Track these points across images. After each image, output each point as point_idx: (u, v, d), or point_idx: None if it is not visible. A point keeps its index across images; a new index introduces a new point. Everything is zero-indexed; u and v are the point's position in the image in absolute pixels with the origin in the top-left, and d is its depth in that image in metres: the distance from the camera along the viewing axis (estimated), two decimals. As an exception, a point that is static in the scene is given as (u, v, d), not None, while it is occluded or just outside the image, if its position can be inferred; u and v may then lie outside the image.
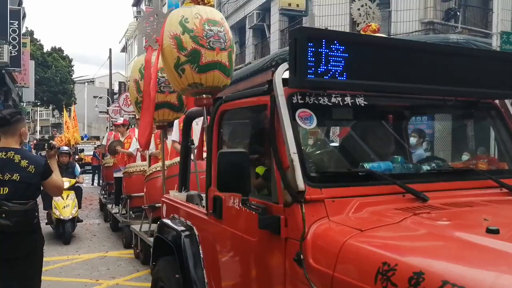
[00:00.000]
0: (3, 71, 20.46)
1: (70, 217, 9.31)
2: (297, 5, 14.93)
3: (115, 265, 7.78)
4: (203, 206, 4.79)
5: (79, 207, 9.91)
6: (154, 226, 7.25)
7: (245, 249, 3.21)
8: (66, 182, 8.57)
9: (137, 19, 39.50)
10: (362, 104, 3.12)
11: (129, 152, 9.82)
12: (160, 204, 6.97)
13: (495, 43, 10.33)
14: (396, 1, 13.84)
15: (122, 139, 10.28)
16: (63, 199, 9.24)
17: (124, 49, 44.69)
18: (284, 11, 15.36)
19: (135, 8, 41.57)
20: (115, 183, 10.27)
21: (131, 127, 12.03)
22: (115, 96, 43.08)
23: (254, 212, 2.92)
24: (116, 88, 43.29)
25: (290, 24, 17.23)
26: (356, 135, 3.43)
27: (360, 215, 2.69)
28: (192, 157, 5.00)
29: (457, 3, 13.68)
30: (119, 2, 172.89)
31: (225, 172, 2.87)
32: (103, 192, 13.29)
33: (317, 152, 3.58)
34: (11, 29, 20.53)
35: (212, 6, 4.56)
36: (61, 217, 9.23)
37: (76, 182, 9.66)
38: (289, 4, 14.82)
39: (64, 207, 9.26)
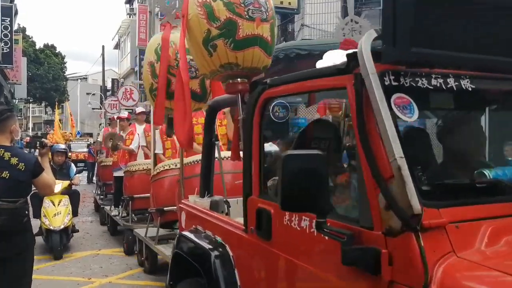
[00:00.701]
0: (-5, 68, 19.68)
1: (61, 227, 7.62)
2: (289, 3, 14.41)
3: (107, 263, 7.49)
4: (226, 213, 3.93)
5: (75, 214, 8.15)
6: (162, 232, 6.38)
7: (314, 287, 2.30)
8: (58, 185, 7.20)
9: (129, 16, 38.40)
10: (469, 88, 2.22)
11: (130, 149, 8.83)
12: (169, 208, 6.13)
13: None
14: None
15: (123, 134, 9.27)
16: (54, 205, 7.68)
17: (117, 46, 43.31)
18: (276, 8, 14.21)
19: (127, 5, 40.30)
20: (115, 183, 9.26)
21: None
22: (108, 93, 42.12)
23: (332, 239, 2.02)
24: (109, 85, 42.17)
25: (282, 22, 16.39)
26: (454, 130, 2.51)
27: (500, 249, 1.80)
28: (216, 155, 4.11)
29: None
30: (112, 0, 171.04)
31: (294, 184, 1.97)
32: (98, 192, 12.19)
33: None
34: (3, 25, 20.07)
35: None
36: (51, 227, 7.57)
37: (71, 185, 8.14)
38: (281, 2, 14.23)
39: (55, 215, 7.62)
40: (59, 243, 7.62)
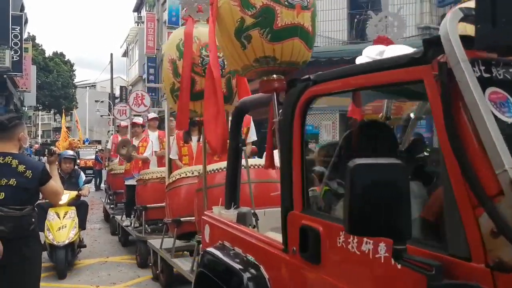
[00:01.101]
0: (5, 75, 19.63)
1: (66, 242, 6.80)
2: None
3: (115, 271, 7.32)
4: (254, 226, 3.50)
5: (82, 227, 7.40)
6: (178, 243, 5.96)
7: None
8: (65, 196, 6.56)
9: (138, 24, 38.21)
10: None
11: (144, 158, 8.43)
12: (186, 218, 5.71)
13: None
14: (393, 7, 13.00)
15: (136, 142, 8.83)
16: (59, 218, 6.93)
17: (125, 54, 43.13)
18: None
19: (135, 13, 40.11)
20: (127, 192, 8.83)
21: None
22: (117, 100, 41.88)
23: (414, 271, 1.58)
24: (117, 92, 41.94)
25: None
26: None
27: None
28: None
29: (452, 8, 12.67)
30: (120, 8, 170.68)
31: (366, 201, 1.54)
32: (108, 201, 11.75)
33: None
34: (13, 34, 19.92)
35: None
36: (54, 242, 6.74)
37: (79, 196, 7.37)
38: None
39: (60, 228, 6.82)
40: (63, 260, 6.81)
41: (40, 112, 52.63)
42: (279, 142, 2.72)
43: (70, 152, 8.07)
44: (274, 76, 2.83)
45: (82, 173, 7.92)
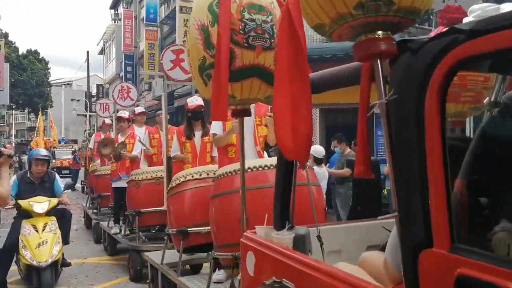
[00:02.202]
0: (-24, 72, 17.96)
1: (49, 261, 5.34)
2: None
3: (93, 272, 6.89)
4: (309, 251, 2.48)
5: (65, 242, 5.98)
6: (185, 258, 4.88)
7: None
8: (44, 203, 5.58)
9: (114, 22, 36.75)
10: None
11: (133, 156, 7.30)
12: (195, 229, 4.64)
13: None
14: None
15: (121, 138, 7.65)
16: (37, 231, 5.47)
17: (102, 52, 41.45)
18: None
19: (112, 10, 38.49)
20: (114, 195, 7.64)
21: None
22: (93, 99, 40.28)
23: None
24: (94, 91, 40.35)
25: None
26: None
27: None
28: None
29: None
30: (96, 4, 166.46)
31: None
32: (90, 205, 10.43)
33: None
34: None
35: None
36: (34, 263, 5.27)
37: (59, 203, 5.88)
38: None
39: (39, 245, 5.34)
40: (50, 283, 5.38)
41: (13, 111, 50.37)
42: (391, 136, 1.68)
43: (43, 152, 6.24)
44: (380, 33, 1.73)
45: (58, 177, 6.27)
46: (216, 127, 4.59)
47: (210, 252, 4.08)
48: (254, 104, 4.66)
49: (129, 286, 6.18)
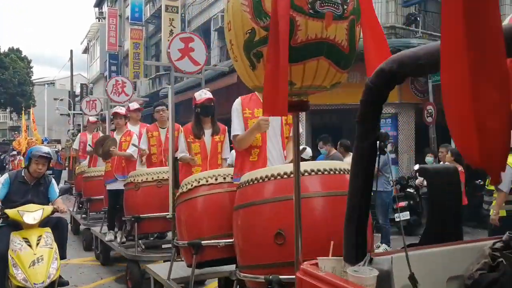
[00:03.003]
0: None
1: (47, 282, 4.34)
2: None
3: (77, 273, 6.62)
4: None
5: (62, 256, 4.87)
6: (198, 272, 4.15)
7: None
8: (36, 212, 4.61)
9: (99, 20, 35.70)
10: None
11: (127, 155, 6.49)
12: (209, 242, 3.92)
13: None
14: None
15: (117, 136, 6.77)
16: (30, 246, 4.45)
17: (85, 51, 40.25)
18: None
19: (96, 9, 37.38)
20: (108, 198, 6.78)
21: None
22: (77, 98, 39.10)
23: None
24: (78, 90, 39.17)
25: None
26: None
27: None
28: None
29: (417, 8, 13.09)
30: (80, 3, 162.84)
31: None
32: (77, 209, 9.51)
33: None
34: None
35: None
36: (28, 285, 4.27)
37: (54, 211, 4.85)
38: None
39: (34, 263, 4.33)
40: None
41: (-5, 110, 48.79)
42: None
43: (46, 149, 5.23)
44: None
45: (54, 181, 5.33)
46: (237, 126, 3.85)
47: (235, 273, 3.36)
48: None
49: (113, 287, 5.98)
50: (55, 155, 5.48)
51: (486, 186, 6.16)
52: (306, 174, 3.08)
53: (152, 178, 5.53)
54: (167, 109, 6.19)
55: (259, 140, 3.80)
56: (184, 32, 5.55)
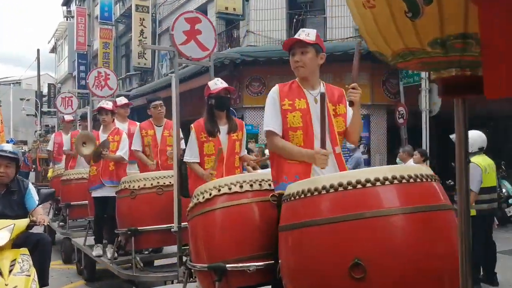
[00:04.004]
0: None
1: None
2: (234, 9, 13.41)
3: None
4: None
5: (43, 283, 3.78)
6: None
7: None
8: (4, 230, 3.53)
9: (67, 19, 34.03)
10: None
11: (118, 158, 5.44)
12: (235, 266, 3.00)
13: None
14: (331, 8, 12.92)
15: (103, 135, 5.60)
16: (0, 274, 3.37)
17: (53, 50, 38.31)
18: (221, 14, 13.69)
19: (64, 7, 35.59)
20: (95, 207, 5.62)
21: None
22: (44, 98, 37.23)
23: None
24: (45, 90, 37.28)
25: (227, 28, 15.30)
26: None
27: None
28: None
29: None
30: (46, 1, 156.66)
31: None
32: (53, 216, 8.28)
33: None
34: None
35: None
36: None
37: (32, 224, 3.83)
38: (226, 8, 13.38)
39: None
40: None
41: (-43, 111, 45.99)
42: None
43: (7, 147, 4.19)
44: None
45: (31, 186, 4.26)
46: (273, 121, 2.97)
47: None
48: (324, 85, 3.12)
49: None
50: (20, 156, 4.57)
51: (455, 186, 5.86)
52: (378, 184, 2.27)
53: (151, 184, 4.57)
54: (163, 104, 5.26)
55: (300, 139, 2.93)
56: (191, 11, 4.46)
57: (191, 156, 3.93)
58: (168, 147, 5.22)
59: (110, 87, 7.03)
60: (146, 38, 19.70)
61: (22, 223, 3.71)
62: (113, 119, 5.66)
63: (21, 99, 38.02)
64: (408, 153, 7.35)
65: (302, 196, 2.41)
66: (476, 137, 5.62)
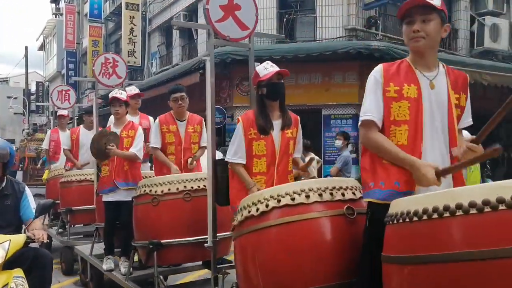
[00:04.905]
0: None
1: None
2: None
3: None
4: None
5: None
6: None
7: None
8: (1, 246, 2.77)
9: (56, 16, 32.87)
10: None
11: (130, 155, 4.55)
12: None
13: (411, 50, 9.70)
14: (321, 8, 12.70)
15: (116, 129, 4.67)
16: None
17: (42, 48, 36.93)
18: None
19: (53, 4, 34.35)
20: (106, 213, 4.66)
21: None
22: (32, 96, 36.01)
23: None
24: (33, 88, 35.99)
25: None
26: None
27: None
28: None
29: (377, 11, 12.78)
30: None
31: None
32: (49, 221, 7.08)
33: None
34: None
35: None
36: None
37: (29, 241, 2.95)
38: None
39: None
40: None
41: None
42: None
43: None
44: None
45: (28, 190, 3.47)
46: (371, 108, 2.20)
47: None
48: (444, 67, 2.34)
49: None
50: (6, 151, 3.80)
51: None
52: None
53: (177, 189, 3.74)
54: (185, 97, 4.45)
55: (404, 136, 2.16)
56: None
57: (236, 155, 3.13)
58: (193, 145, 4.42)
59: (119, 75, 6.03)
60: (136, 36, 19.35)
61: (19, 238, 2.90)
62: (127, 111, 4.79)
63: (9, 97, 36.79)
64: None
65: (425, 217, 1.65)
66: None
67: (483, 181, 6.75)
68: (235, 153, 3.14)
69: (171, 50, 18.18)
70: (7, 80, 47.59)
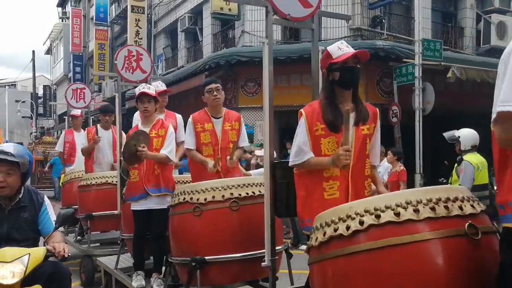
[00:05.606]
0: None
1: None
2: (230, 10, 12.98)
3: None
4: None
5: None
6: None
7: None
8: (16, 262, 2.40)
9: (62, 20, 32.39)
10: None
11: (161, 157, 3.95)
12: None
13: (417, 49, 10.13)
14: (326, 8, 12.13)
15: (144, 129, 4.05)
16: None
17: (48, 51, 36.37)
18: (217, 15, 13.29)
19: (59, 8, 33.84)
20: (135, 223, 4.02)
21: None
22: (40, 100, 35.55)
23: None
24: (40, 92, 35.51)
25: (222, 28, 14.76)
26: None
27: None
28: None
29: (382, 11, 12.48)
30: (41, 2, 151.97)
31: None
32: (67, 228, 6.48)
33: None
34: None
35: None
36: None
37: (49, 255, 2.58)
38: (221, 8, 12.93)
39: None
40: None
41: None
42: None
43: (7, 147, 2.87)
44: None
45: (47, 200, 3.03)
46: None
47: None
48: None
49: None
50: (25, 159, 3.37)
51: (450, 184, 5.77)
52: None
53: (223, 196, 3.14)
54: (221, 88, 3.86)
55: None
56: None
57: (301, 155, 2.53)
58: (231, 144, 3.81)
59: (143, 69, 5.36)
60: (141, 39, 18.95)
61: (39, 252, 2.57)
62: (156, 109, 4.18)
63: (17, 101, 36.32)
64: (390, 150, 7.28)
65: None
66: (469, 135, 5.56)
67: (490, 179, 6.30)
68: (299, 153, 2.54)
69: (177, 52, 17.90)
70: (15, 84, 47.06)
